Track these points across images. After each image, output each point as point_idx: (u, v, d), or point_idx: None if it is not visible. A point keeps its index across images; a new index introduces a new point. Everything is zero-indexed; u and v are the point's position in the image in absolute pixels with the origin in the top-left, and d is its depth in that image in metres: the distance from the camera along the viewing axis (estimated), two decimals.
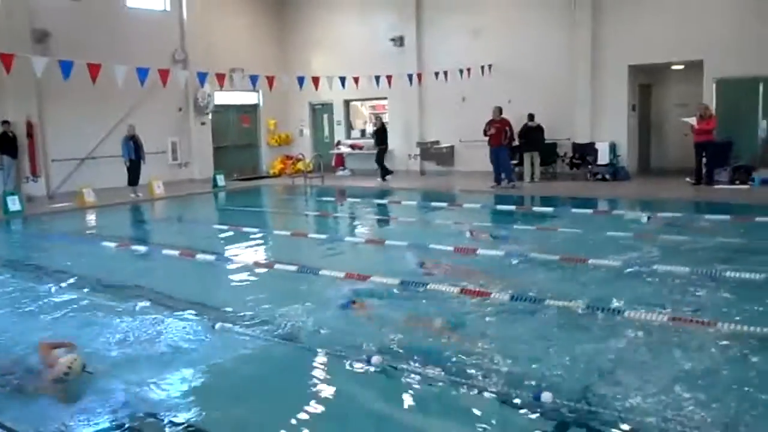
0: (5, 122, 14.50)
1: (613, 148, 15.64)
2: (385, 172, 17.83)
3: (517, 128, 15.88)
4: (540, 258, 7.47)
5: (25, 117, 15.02)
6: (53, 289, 7.02)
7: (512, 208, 12.45)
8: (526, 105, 16.04)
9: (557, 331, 5.12)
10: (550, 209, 11.89)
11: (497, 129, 15.14)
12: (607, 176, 15.38)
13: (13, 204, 13.27)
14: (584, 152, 15.91)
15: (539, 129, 15.97)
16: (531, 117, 15.93)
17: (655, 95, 17.75)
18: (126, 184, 15.49)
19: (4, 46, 12.37)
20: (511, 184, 15.06)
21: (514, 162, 15.94)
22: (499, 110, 15.32)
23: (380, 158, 17.91)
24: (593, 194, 13.62)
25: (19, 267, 8.75)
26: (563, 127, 16.29)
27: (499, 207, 12.88)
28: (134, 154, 15.39)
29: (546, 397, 3.85)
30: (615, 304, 5.60)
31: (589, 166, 15.73)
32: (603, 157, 15.56)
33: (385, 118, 20.59)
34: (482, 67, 16.96)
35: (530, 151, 16.02)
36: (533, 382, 4.12)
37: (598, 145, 15.67)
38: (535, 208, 12.67)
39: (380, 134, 18.05)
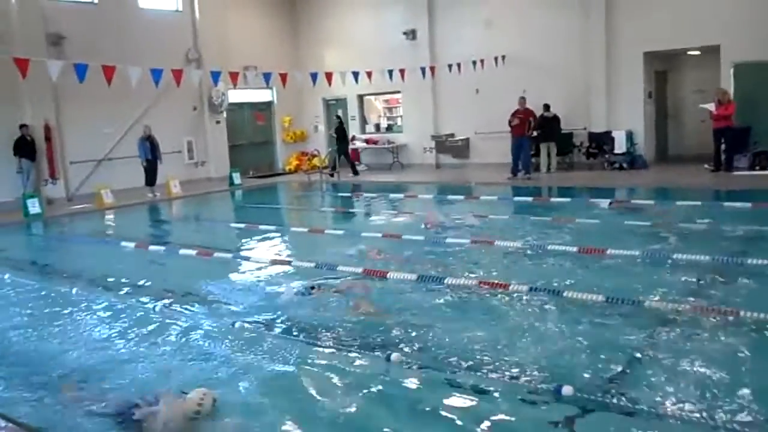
0: (23, 126, 14.64)
1: (629, 136, 15.48)
2: (350, 168, 18.11)
3: None
4: (556, 249, 7.42)
5: (43, 120, 15.15)
6: (74, 291, 7.11)
7: (529, 199, 12.37)
8: (541, 95, 15.89)
9: (574, 322, 5.09)
10: (566, 200, 11.79)
11: (520, 120, 15.04)
12: (625, 165, 15.23)
13: (33, 207, 13.41)
14: (601, 141, 15.76)
15: (555, 119, 15.85)
16: (546, 107, 15.79)
17: (672, 82, 17.54)
18: (143, 184, 15.64)
19: (20, 50, 12.54)
20: (527, 176, 14.97)
21: (531, 153, 15.81)
22: (524, 100, 15.21)
23: (338, 156, 18.15)
24: (610, 184, 13.49)
25: (43, 271, 8.86)
26: (579, 116, 16.16)
27: (516, 199, 12.78)
28: (150, 154, 15.56)
29: (567, 390, 3.83)
30: (634, 294, 5.54)
31: (606, 156, 15.59)
32: (620, 146, 15.40)
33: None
34: (495, 59, 16.83)
35: (546, 141, 15.88)
36: (553, 375, 4.10)
37: (614, 134, 15.51)
38: (552, 199, 12.57)
39: (338, 134, 18.27)
